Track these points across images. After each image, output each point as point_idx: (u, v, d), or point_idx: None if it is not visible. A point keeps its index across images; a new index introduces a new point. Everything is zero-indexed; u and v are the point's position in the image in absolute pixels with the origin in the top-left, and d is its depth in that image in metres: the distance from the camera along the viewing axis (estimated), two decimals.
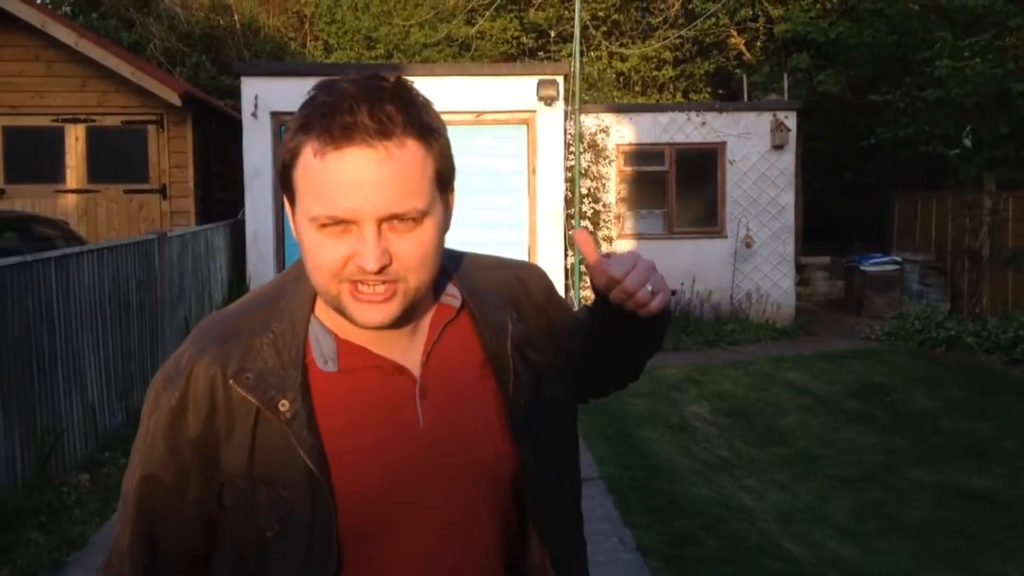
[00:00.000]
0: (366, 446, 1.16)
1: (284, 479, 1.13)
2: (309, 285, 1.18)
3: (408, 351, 1.21)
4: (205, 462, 1.15)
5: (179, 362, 1.18)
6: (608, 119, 12.18)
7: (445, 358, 1.23)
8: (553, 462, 1.29)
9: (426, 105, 1.16)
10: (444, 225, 1.19)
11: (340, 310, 1.15)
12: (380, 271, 1.10)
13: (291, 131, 1.14)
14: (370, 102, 1.09)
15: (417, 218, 1.12)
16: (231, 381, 1.15)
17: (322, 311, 1.20)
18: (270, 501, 1.13)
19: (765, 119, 12.29)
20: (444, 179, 1.17)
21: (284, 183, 1.17)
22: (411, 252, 1.12)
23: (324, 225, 1.11)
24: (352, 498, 1.14)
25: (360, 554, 1.15)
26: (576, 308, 1.46)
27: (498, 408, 1.24)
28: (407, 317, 1.17)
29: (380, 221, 1.10)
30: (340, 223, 1.10)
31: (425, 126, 1.13)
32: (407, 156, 1.10)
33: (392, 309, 1.13)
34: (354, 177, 1.09)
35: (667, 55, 19.24)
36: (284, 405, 1.14)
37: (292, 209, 1.17)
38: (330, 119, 1.09)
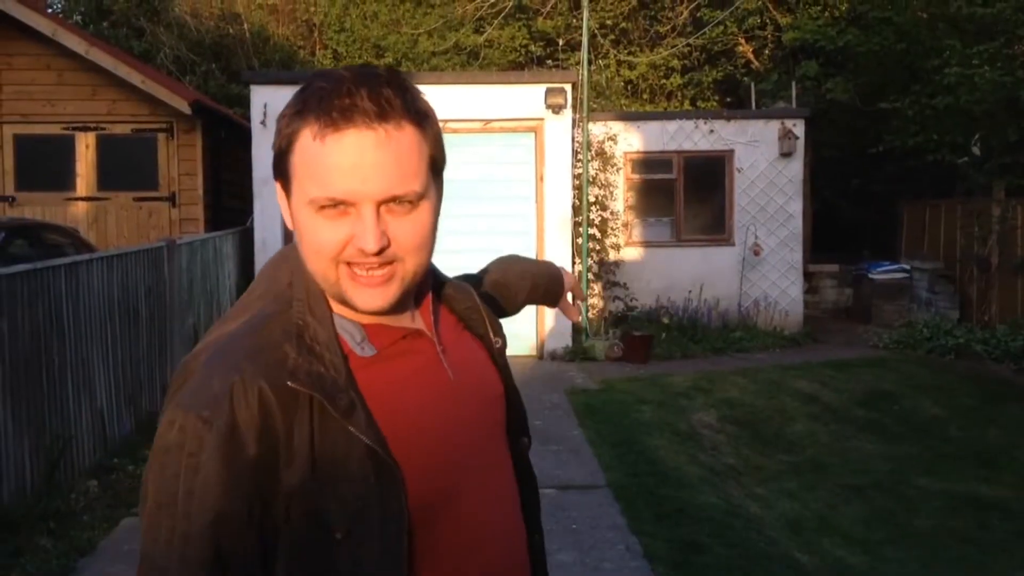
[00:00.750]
0: (417, 419, 1.18)
1: (351, 475, 1.11)
2: (312, 283, 1.19)
3: (415, 317, 1.27)
4: (268, 480, 1.09)
5: (209, 389, 1.10)
6: (616, 127, 12.19)
7: (440, 318, 1.33)
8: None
9: (418, 93, 1.18)
10: (438, 210, 1.21)
11: (339, 295, 1.16)
12: (379, 253, 1.12)
13: (287, 117, 1.14)
14: (368, 86, 1.11)
15: (414, 200, 1.14)
16: (288, 382, 1.10)
17: (336, 304, 1.20)
18: (338, 502, 1.10)
19: (773, 127, 12.29)
20: (438, 165, 1.20)
21: (279, 170, 1.18)
22: (409, 234, 1.14)
23: (323, 207, 1.12)
24: (417, 476, 1.14)
25: (425, 541, 1.16)
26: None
27: (483, 351, 1.37)
28: (405, 301, 1.20)
29: (379, 203, 1.12)
30: (339, 205, 1.11)
31: (420, 112, 1.15)
32: (405, 139, 1.12)
33: (390, 292, 1.15)
34: (354, 159, 1.10)
35: (675, 63, 19.25)
36: (342, 400, 1.12)
37: (287, 196, 1.18)
38: (329, 102, 1.10)
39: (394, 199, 1.12)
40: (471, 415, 1.27)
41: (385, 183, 1.11)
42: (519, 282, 1.84)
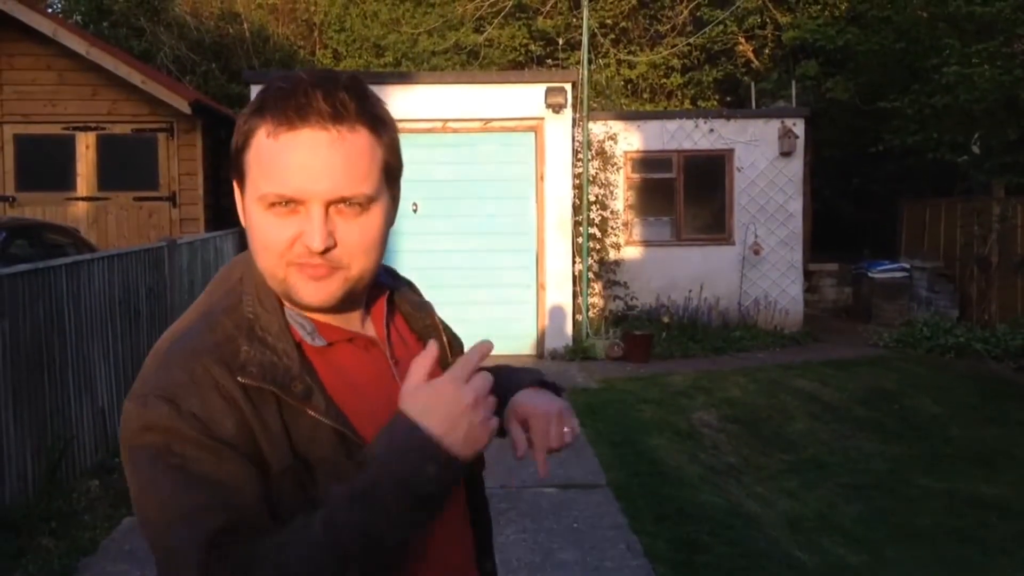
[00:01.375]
0: (368, 412, 1.18)
1: (324, 458, 1.13)
2: (262, 278, 1.20)
3: (365, 324, 1.27)
4: (255, 457, 1.10)
5: (171, 380, 1.11)
6: (616, 126, 12.20)
7: (394, 330, 1.32)
8: None
9: (378, 100, 1.19)
10: (390, 217, 1.22)
11: (286, 293, 1.18)
12: (324, 252, 1.13)
13: (245, 115, 1.16)
14: (325, 88, 1.12)
15: (364, 203, 1.15)
16: (239, 377, 1.11)
17: (285, 302, 1.21)
18: (317, 485, 1.12)
19: (773, 126, 12.29)
20: (392, 172, 1.21)
21: (235, 167, 1.19)
22: (356, 238, 1.15)
23: (273, 204, 1.13)
24: None
25: None
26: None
27: (436, 371, 1.29)
28: (350, 301, 1.21)
29: (328, 203, 1.13)
30: (289, 203, 1.13)
31: (377, 117, 1.17)
32: (358, 142, 1.14)
33: (333, 289, 1.16)
34: (306, 157, 1.11)
35: (675, 62, 19.25)
36: (297, 386, 1.13)
37: (241, 193, 1.20)
38: (285, 102, 1.12)
39: (343, 200, 1.13)
40: None
41: (334, 183, 1.12)
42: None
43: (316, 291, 1.15)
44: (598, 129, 12.00)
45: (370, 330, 1.28)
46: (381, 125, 1.17)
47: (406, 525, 1.07)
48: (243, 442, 1.10)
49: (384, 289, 1.32)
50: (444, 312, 1.49)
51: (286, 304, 1.20)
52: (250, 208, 1.17)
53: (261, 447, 1.11)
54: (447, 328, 1.43)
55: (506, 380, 1.40)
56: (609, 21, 19.15)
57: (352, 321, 1.25)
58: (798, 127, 12.29)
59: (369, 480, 1.06)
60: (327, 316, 1.21)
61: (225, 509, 1.06)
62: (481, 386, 1.10)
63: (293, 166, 1.11)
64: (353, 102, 1.13)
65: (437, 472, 1.06)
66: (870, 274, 13.54)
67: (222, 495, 1.07)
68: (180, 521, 1.06)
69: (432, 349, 1.13)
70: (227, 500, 1.07)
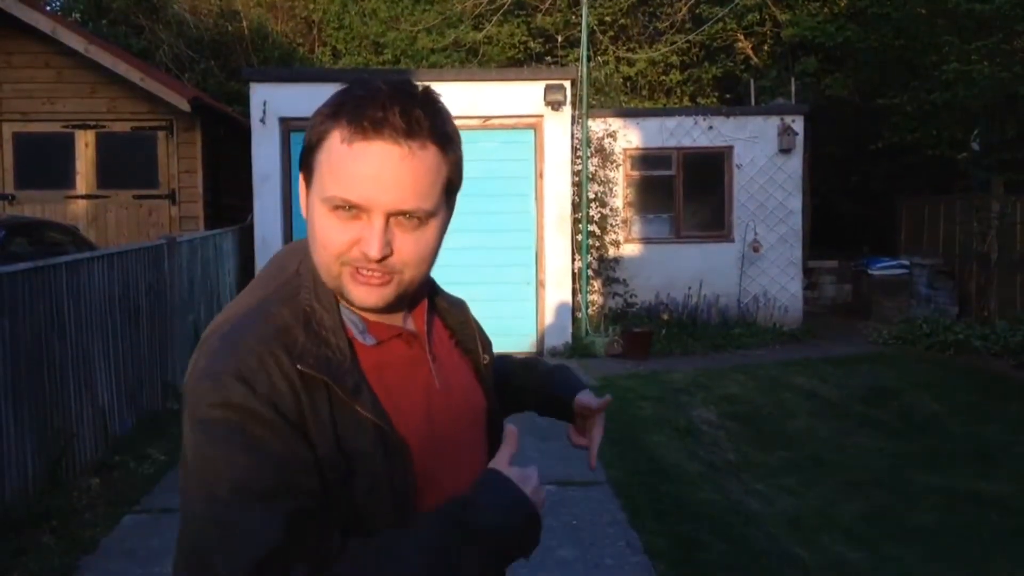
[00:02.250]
0: (407, 407, 1.26)
1: (363, 451, 1.19)
2: (318, 273, 1.25)
3: (407, 321, 1.34)
4: (307, 439, 1.15)
5: (243, 363, 1.15)
6: (615, 123, 12.20)
7: (433, 328, 1.40)
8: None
9: (448, 116, 1.25)
10: (444, 229, 1.28)
11: (339, 290, 1.24)
12: (380, 260, 1.19)
13: (321, 116, 1.21)
14: (402, 103, 1.18)
15: (423, 218, 1.21)
16: (298, 365, 1.16)
17: (338, 297, 1.27)
18: (356, 475, 1.18)
19: (772, 123, 12.29)
20: (453, 188, 1.27)
21: (305, 163, 1.25)
22: (411, 249, 1.21)
23: (337, 207, 1.19)
24: (415, 453, 1.23)
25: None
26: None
27: (470, 368, 1.45)
28: (400, 303, 1.28)
29: (389, 214, 1.18)
30: (352, 208, 1.18)
31: (446, 135, 1.22)
32: (427, 159, 1.19)
33: (386, 294, 1.22)
34: (376, 168, 1.16)
35: (674, 59, 19.24)
36: (348, 381, 1.19)
37: (307, 189, 1.26)
38: (362, 111, 1.17)
39: (404, 213, 1.19)
40: (454, 424, 1.34)
41: (399, 196, 1.18)
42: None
43: (368, 294, 1.22)
44: (597, 126, 12.00)
45: (411, 326, 1.34)
46: (449, 143, 1.23)
47: (481, 567, 1.15)
48: (303, 426, 1.15)
49: (426, 287, 1.38)
50: None
51: (340, 300, 1.26)
52: (314, 205, 1.23)
53: (310, 433, 1.15)
54: (479, 327, 1.51)
55: (571, 378, 1.70)
56: (608, 18, 19.14)
57: (396, 317, 1.31)
58: (797, 124, 12.29)
59: (469, 517, 1.15)
60: (376, 315, 1.28)
61: (297, 493, 1.11)
62: (534, 473, 1.24)
63: (362, 175, 1.16)
64: (427, 119, 1.19)
65: (523, 524, 1.18)
66: (870, 271, 13.54)
67: (294, 478, 1.12)
68: (256, 502, 1.09)
69: (513, 437, 1.25)
70: (298, 484, 1.12)
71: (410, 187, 1.17)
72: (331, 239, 1.20)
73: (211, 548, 1.11)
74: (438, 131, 1.20)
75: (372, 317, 1.27)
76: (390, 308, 1.26)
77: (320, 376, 1.16)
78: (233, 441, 1.11)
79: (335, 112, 1.19)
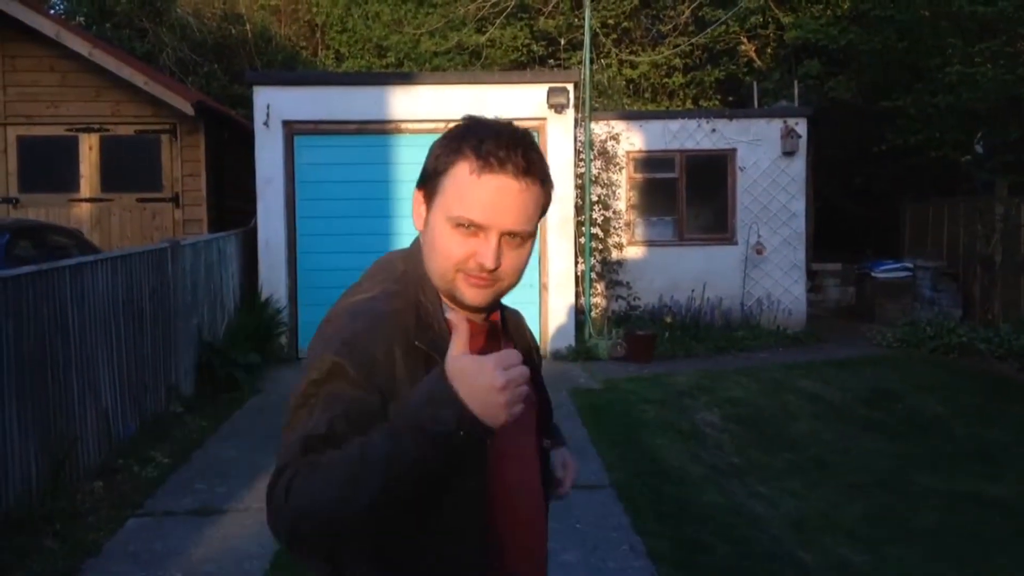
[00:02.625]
0: None
1: None
2: (424, 274, 1.55)
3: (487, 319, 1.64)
4: (379, 401, 1.40)
5: (356, 330, 1.45)
6: (618, 126, 12.20)
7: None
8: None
9: (544, 158, 1.57)
10: (533, 248, 1.60)
11: (451, 291, 1.53)
12: (493, 270, 1.48)
13: (446, 149, 1.51)
14: (523, 147, 1.49)
15: (524, 238, 1.52)
16: (416, 342, 1.47)
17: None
18: None
19: (775, 126, 12.29)
20: (543, 215, 1.59)
21: (427, 183, 1.54)
22: (513, 263, 1.52)
23: (459, 225, 1.48)
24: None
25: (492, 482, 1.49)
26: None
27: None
28: (495, 305, 1.61)
29: (502, 234, 1.48)
30: (471, 227, 1.47)
31: (547, 175, 1.55)
32: (534, 192, 1.51)
33: (489, 296, 1.53)
34: (497, 196, 1.47)
35: (677, 62, 19.25)
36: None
37: (427, 204, 1.55)
38: (490, 149, 1.47)
39: (512, 234, 1.49)
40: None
41: (512, 220, 1.48)
42: None
43: (476, 295, 1.51)
44: (600, 129, 12.01)
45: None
46: (548, 182, 1.55)
47: (420, 465, 1.26)
48: (389, 389, 1.41)
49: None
50: (447, 313, 1.65)
51: (444, 299, 1.55)
52: (435, 221, 1.52)
53: (397, 393, 1.41)
54: (531, 331, 1.85)
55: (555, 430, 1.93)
56: (611, 21, 19.16)
57: (479, 317, 1.59)
58: (800, 127, 12.29)
59: (398, 418, 1.30)
60: (470, 312, 1.54)
61: (334, 434, 1.34)
62: (515, 375, 1.28)
63: (486, 201, 1.46)
64: (538, 162, 1.51)
65: (453, 420, 1.24)
66: (873, 274, 13.53)
67: (356, 418, 1.36)
68: (310, 421, 1.36)
69: (464, 326, 1.36)
70: (343, 429, 1.34)
71: (521, 213, 1.48)
72: (452, 251, 1.49)
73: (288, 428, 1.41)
74: (543, 171, 1.52)
75: (465, 313, 1.52)
76: (487, 308, 1.56)
77: (427, 350, 1.46)
78: (319, 388, 1.40)
79: (460, 146, 1.49)
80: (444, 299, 1.55)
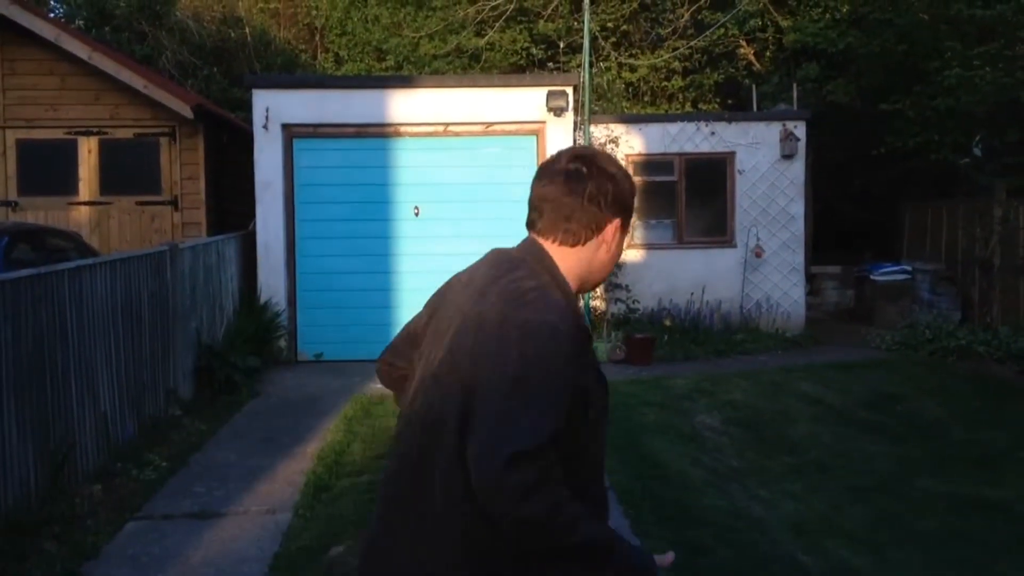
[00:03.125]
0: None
1: (598, 387, 1.88)
2: (561, 279, 1.90)
3: None
4: (579, 374, 1.79)
5: (557, 305, 1.80)
6: (618, 129, 12.20)
7: None
8: None
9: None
10: None
11: (593, 288, 2.03)
12: None
13: (635, 192, 2.01)
14: None
15: None
16: (583, 325, 1.84)
17: None
18: (595, 401, 1.85)
19: (775, 129, 12.30)
20: None
21: (627, 210, 1.97)
22: None
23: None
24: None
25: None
26: None
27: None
28: None
29: None
30: None
31: None
32: None
33: None
34: None
35: (676, 65, 19.24)
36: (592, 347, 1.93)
37: (623, 226, 1.98)
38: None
39: None
40: None
41: None
42: None
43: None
44: (599, 132, 12.01)
45: None
46: None
47: (614, 558, 1.72)
48: (579, 364, 1.78)
49: None
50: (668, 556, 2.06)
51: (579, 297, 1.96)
52: (622, 238, 1.98)
53: (581, 369, 1.79)
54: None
55: None
56: (610, 24, 19.15)
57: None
58: (799, 130, 12.29)
59: (619, 545, 1.73)
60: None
61: (560, 416, 1.68)
62: (666, 564, 1.84)
63: None
64: None
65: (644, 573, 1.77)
66: (872, 276, 13.53)
67: (565, 404, 1.70)
68: (536, 411, 1.64)
69: (671, 558, 1.85)
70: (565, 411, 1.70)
71: None
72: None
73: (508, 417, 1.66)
74: None
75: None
76: None
77: (587, 333, 1.85)
78: (543, 364, 1.69)
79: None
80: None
